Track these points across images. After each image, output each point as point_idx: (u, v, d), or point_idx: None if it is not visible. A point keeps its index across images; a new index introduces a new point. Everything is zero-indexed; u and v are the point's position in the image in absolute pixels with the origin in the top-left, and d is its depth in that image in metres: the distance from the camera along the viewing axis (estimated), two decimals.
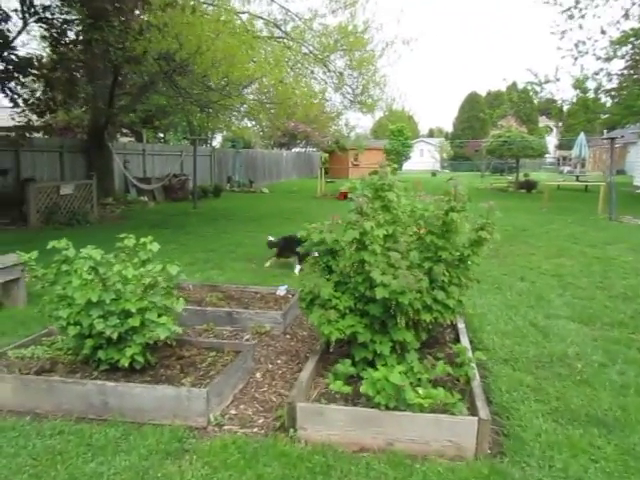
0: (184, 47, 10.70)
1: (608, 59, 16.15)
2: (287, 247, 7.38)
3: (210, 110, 17.48)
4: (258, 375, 3.98)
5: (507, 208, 16.15)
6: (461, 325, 4.57)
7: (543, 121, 55.48)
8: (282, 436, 3.06)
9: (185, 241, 10.06)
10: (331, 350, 3.67)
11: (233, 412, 3.40)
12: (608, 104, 19.41)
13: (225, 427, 3.20)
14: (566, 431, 3.15)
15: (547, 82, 17.35)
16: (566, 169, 45.46)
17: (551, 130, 58.73)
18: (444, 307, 3.55)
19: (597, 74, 16.55)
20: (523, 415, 3.33)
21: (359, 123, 63.78)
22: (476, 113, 57.62)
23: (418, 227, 3.79)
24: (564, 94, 18.82)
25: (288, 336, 4.85)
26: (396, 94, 23.77)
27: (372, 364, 3.46)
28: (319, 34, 14.33)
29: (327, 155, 27.73)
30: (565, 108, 19.55)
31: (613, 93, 18.58)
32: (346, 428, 2.95)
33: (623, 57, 15.96)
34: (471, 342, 4.53)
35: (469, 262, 3.76)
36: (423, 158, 58.14)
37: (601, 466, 2.83)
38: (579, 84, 16.66)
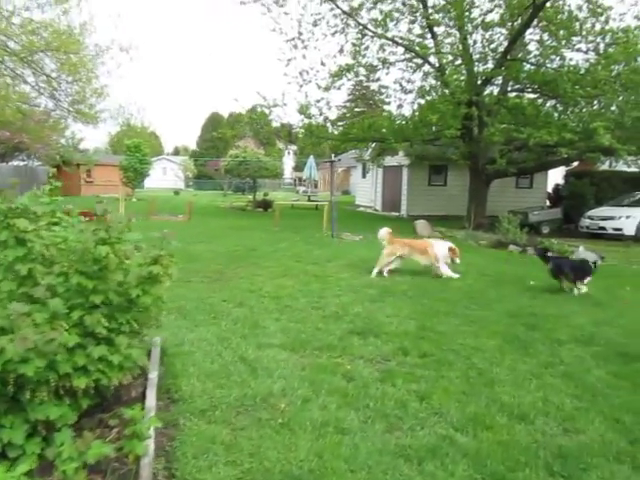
0: None
1: (327, 89, 17.53)
2: None
3: None
4: None
5: (242, 227, 16.22)
6: (152, 375, 3.81)
7: (281, 144, 59.26)
8: None
9: None
10: None
11: None
12: (337, 131, 21.17)
13: None
14: None
15: (275, 106, 18.09)
16: (302, 189, 49.06)
17: (288, 153, 63.18)
18: (108, 365, 2.76)
19: (318, 102, 17.85)
20: None
21: (90, 137, 59.33)
22: (219, 134, 58.43)
23: (70, 264, 2.92)
24: (291, 118, 19.80)
25: None
26: (134, 109, 22.22)
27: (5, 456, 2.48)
28: (24, 31, 12.32)
29: (55, 170, 24.51)
30: (294, 132, 20.65)
31: (339, 123, 20.40)
32: None
33: (339, 88, 17.47)
34: (168, 392, 3.84)
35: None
36: (166, 176, 56.54)
37: None
38: (303, 110, 17.72)
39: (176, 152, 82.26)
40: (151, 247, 3.23)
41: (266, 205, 24.02)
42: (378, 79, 21.37)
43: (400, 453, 3.17)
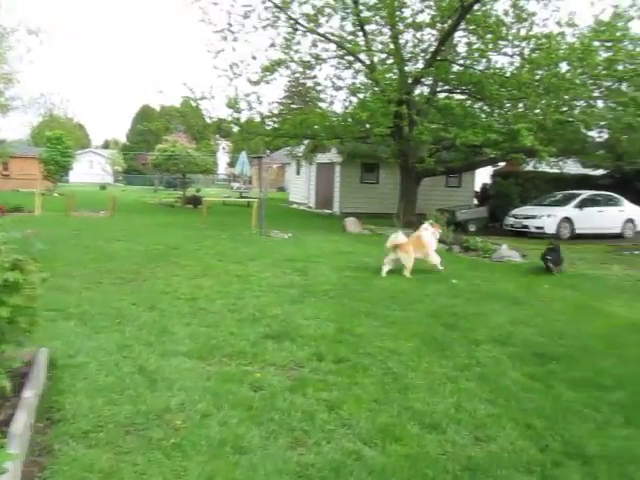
0: None
1: (257, 83, 17.09)
2: None
3: None
4: None
5: (168, 224, 15.55)
6: (28, 394, 3.34)
7: (213, 140, 57.97)
8: None
9: None
10: None
11: None
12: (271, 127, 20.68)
13: None
14: None
15: (203, 99, 17.47)
16: (236, 185, 48.19)
17: (223, 148, 61.95)
18: None
19: (248, 95, 17.40)
20: None
21: (7, 127, 55.99)
22: (150, 127, 56.60)
23: None
24: (220, 112, 19.18)
25: None
26: (57, 99, 20.91)
27: None
28: None
29: None
30: (224, 127, 20.08)
31: (275, 119, 19.94)
32: None
33: (269, 82, 17.09)
34: (49, 412, 3.40)
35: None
36: (93, 170, 54.11)
37: None
38: (232, 104, 17.21)
39: (106, 145, 79.09)
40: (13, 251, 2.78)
41: (196, 202, 23.27)
42: (314, 76, 21.16)
43: (301, 473, 2.91)
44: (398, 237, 8.79)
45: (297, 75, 22.66)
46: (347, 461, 3.03)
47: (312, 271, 8.72)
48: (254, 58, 17.89)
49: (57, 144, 28.08)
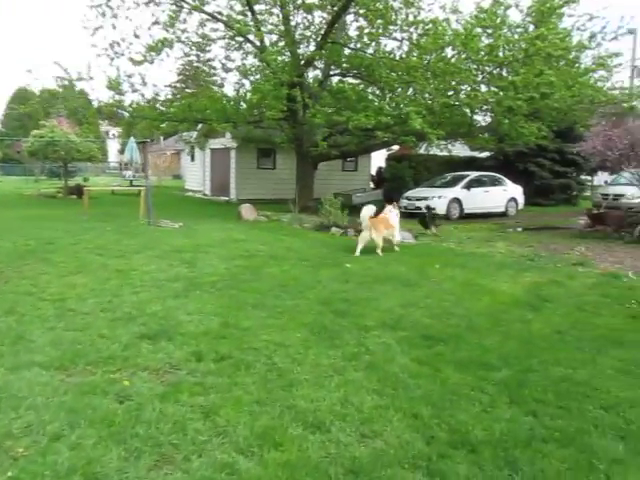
0: None
1: (139, 62, 15.99)
2: None
3: None
4: None
5: (45, 217, 14.22)
6: None
7: (105, 124, 54.48)
8: None
9: None
10: None
11: None
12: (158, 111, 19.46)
13: None
14: None
15: (80, 79, 16.10)
16: (128, 173, 45.63)
17: (112, 134, 58.43)
18: None
19: (130, 77, 16.24)
20: None
21: None
22: (28, 112, 51.92)
23: None
24: (101, 94, 17.88)
25: None
26: None
27: None
28: None
29: None
30: (107, 110, 18.67)
31: (167, 103, 18.76)
32: None
33: (152, 62, 16.04)
34: None
35: None
36: None
37: None
38: (113, 85, 16.00)
39: None
40: None
41: (80, 192, 21.55)
42: (208, 60, 20.20)
43: None
44: (369, 210, 10.03)
45: (191, 58, 21.69)
46: (218, 477, 2.69)
47: (200, 262, 8.22)
48: (137, 36, 16.72)
49: None
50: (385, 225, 10.12)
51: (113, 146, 63.23)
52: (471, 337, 4.95)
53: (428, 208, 14.36)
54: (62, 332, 4.84)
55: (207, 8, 16.83)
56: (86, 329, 4.93)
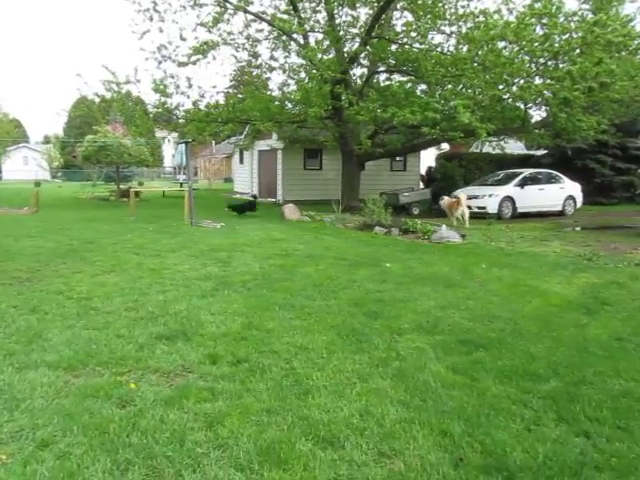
0: None
1: (183, 64, 16.07)
2: None
3: None
4: None
5: (92, 219, 14.48)
6: None
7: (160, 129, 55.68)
8: None
9: None
10: None
11: None
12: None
13: None
14: None
15: (128, 82, 16.32)
16: (182, 177, 46.63)
17: (167, 140, 59.76)
18: None
19: (173, 77, 16.35)
20: None
21: None
22: (87, 119, 53.96)
23: None
24: (147, 97, 18.04)
25: None
26: None
27: None
28: None
29: None
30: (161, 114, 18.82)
31: (220, 108, 18.84)
32: None
33: (195, 63, 16.08)
34: None
35: None
36: (28, 166, 51.30)
37: None
38: (158, 87, 16.13)
39: (47, 141, 75.45)
40: None
41: (130, 194, 22.00)
42: (260, 65, 20.04)
43: None
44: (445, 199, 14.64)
45: (243, 64, 21.69)
46: None
47: (235, 261, 7.99)
48: (183, 39, 16.86)
49: None
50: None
51: (168, 151, 64.80)
52: (516, 343, 4.44)
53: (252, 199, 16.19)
54: (80, 331, 4.67)
55: (251, 8, 16.78)
56: (105, 328, 4.74)
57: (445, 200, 14.89)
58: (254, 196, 16.23)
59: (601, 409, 3.23)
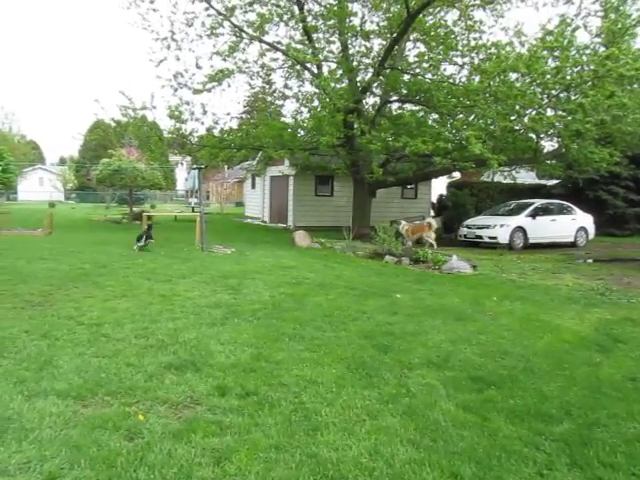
0: None
1: (199, 91, 16.36)
2: None
3: None
4: None
5: (105, 242, 14.58)
6: None
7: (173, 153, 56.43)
8: None
9: None
10: None
11: None
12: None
13: None
14: None
15: (144, 108, 16.62)
16: (194, 201, 47.11)
17: (180, 163, 60.52)
18: None
19: (188, 104, 16.63)
20: None
21: None
22: (103, 142, 54.95)
23: None
24: (162, 123, 18.33)
25: None
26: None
27: None
28: None
29: None
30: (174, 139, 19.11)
31: (233, 134, 19.12)
32: None
33: (210, 90, 16.38)
34: None
35: None
36: (44, 187, 52.07)
37: None
38: (174, 113, 16.41)
39: (62, 162, 76.74)
40: None
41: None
42: (274, 91, 20.36)
43: None
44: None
45: (256, 90, 22.03)
46: None
47: (245, 289, 8.00)
48: (199, 67, 17.20)
49: None
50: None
51: (181, 174, 65.53)
52: (528, 381, 4.39)
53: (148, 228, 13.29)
54: (90, 358, 4.68)
55: (267, 38, 17.13)
56: (115, 356, 4.75)
57: (404, 224, 15.39)
58: (149, 225, 13.51)
59: (615, 454, 3.17)
